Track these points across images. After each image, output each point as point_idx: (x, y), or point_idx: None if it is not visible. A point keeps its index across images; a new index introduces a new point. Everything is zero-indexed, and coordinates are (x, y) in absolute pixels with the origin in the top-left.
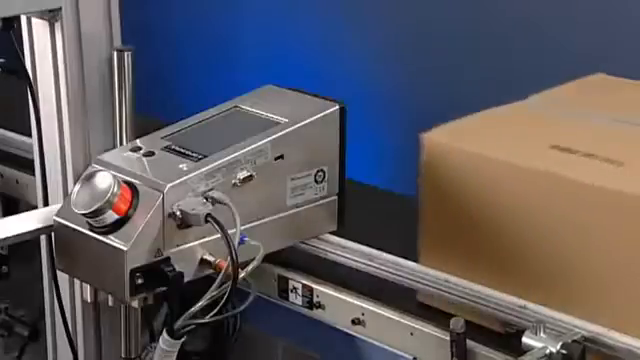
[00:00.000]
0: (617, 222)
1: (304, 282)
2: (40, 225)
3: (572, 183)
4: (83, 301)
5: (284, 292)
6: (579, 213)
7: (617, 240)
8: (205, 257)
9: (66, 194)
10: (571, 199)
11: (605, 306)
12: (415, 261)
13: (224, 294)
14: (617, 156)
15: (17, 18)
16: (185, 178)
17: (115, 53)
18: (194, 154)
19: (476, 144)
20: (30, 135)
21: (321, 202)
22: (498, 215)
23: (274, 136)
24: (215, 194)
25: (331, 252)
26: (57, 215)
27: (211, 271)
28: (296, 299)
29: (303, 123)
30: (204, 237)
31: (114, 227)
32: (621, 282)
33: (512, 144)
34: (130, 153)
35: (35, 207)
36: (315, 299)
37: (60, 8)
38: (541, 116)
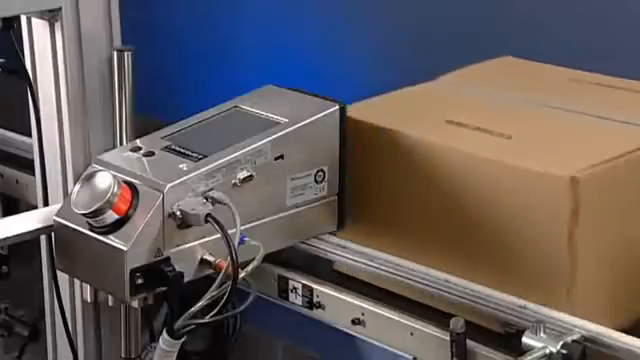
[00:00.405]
0: (496, 188)
1: (304, 282)
2: (40, 225)
3: (459, 153)
4: (83, 301)
5: (284, 292)
6: (462, 180)
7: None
8: (205, 257)
9: (66, 194)
10: (457, 168)
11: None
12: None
13: (224, 294)
14: (507, 130)
15: (17, 18)
16: (185, 178)
17: (115, 53)
18: (194, 154)
19: (377, 117)
20: (30, 135)
21: (321, 202)
22: (396, 183)
23: (274, 136)
24: (215, 194)
25: (331, 252)
26: (57, 215)
27: (211, 271)
28: (296, 299)
29: (303, 123)
30: (204, 237)
31: (114, 227)
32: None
33: (411, 117)
34: (130, 153)
35: (35, 207)
36: (315, 299)
37: (60, 8)
38: (445, 94)
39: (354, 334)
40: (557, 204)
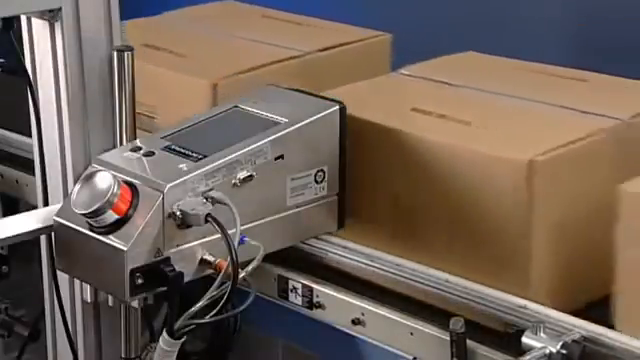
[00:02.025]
0: None
1: (304, 282)
2: (40, 225)
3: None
4: (83, 301)
5: (284, 292)
6: None
7: None
8: (205, 257)
9: (66, 194)
10: None
11: None
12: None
13: (224, 294)
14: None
15: (17, 18)
16: (185, 178)
17: (115, 53)
18: (194, 154)
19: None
20: (30, 135)
21: (321, 202)
22: None
23: (274, 136)
24: (215, 194)
25: (331, 252)
26: (57, 215)
27: (211, 271)
28: (296, 299)
29: (303, 123)
30: (204, 237)
31: (114, 227)
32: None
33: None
34: (130, 153)
35: (35, 207)
36: (315, 299)
37: (60, 8)
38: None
39: (354, 334)
40: None
